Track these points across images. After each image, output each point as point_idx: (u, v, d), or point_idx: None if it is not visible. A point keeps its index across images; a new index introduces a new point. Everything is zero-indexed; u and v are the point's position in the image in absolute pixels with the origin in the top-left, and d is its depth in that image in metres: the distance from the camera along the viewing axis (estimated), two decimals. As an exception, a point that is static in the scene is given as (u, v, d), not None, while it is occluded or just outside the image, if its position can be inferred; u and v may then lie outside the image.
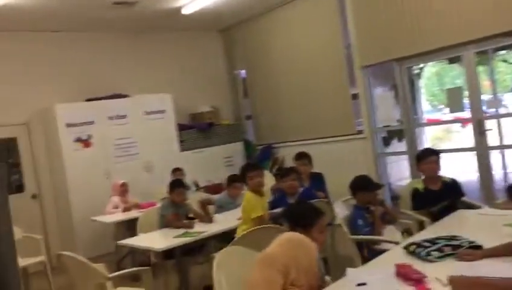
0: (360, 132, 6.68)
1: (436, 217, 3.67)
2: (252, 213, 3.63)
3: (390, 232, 3.42)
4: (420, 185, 3.99)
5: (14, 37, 6.64)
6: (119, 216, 5.76)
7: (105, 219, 5.80)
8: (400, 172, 8.76)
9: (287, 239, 1.76)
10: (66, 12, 6.23)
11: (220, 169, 7.73)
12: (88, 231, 6.45)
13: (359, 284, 2.12)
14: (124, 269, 5.46)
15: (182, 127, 7.56)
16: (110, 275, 3.20)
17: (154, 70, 7.76)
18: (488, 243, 2.35)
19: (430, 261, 2.30)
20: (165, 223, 4.54)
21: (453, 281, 1.89)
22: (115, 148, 6.88)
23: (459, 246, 2.36)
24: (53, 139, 6.62)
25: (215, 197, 5.52)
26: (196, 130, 7.68)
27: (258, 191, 3.78)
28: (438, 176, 3.99)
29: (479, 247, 2.36)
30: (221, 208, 5.18)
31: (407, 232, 3.45)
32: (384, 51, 6.12)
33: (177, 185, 4.91)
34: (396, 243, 3.09)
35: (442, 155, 4.09)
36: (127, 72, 7.52)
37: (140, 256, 6.03)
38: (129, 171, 6.80)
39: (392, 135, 8.03)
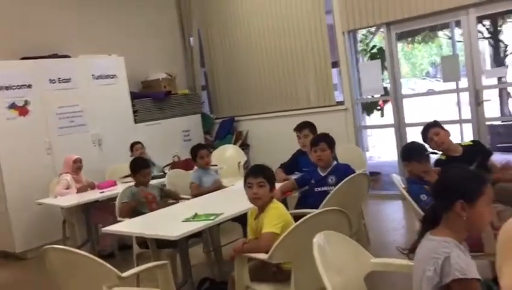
0: (340, 103, 6.18)
1: None
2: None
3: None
4: (442, 156, 3.61)
5: None
6: (74, 198, 4.75)
7: (57, 201, 4.77)
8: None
9: None
10: None
11: (178, 144, 6.86)
12: (28, 217, 5.34)
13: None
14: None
15: (134, 96, 6.56)
16: (124, 275, 2.36)
17: (99, 29, 6.61)
18: None
19: None
20: (126, 211, 3.76)
21: None
22: (58, 118, 5.73)
23: None
24: (-21, 105, 5.35)
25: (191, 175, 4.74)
26: (151, 99, 6.71)
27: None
28: (454, 144, 3.63)
29: None
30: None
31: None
32: (371, 14, 5.62)
33: (143, 165, 4.14)
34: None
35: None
36: (68, 29, 6.31)
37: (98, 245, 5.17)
38: (75, 145, 5.71)
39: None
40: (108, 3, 6.75)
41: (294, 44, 6.40)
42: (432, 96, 9.36)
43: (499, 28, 9.62)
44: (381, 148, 9.16)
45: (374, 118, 8.21)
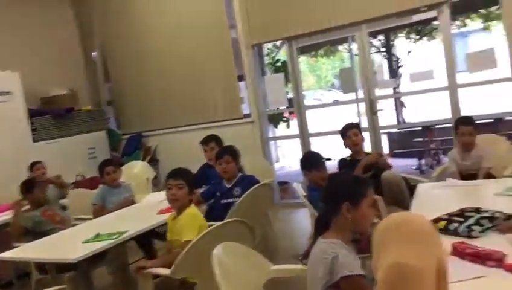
0: (247, 116, 6.30)
1: None
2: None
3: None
4: (347, 157, 3.96)
5: None
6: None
7: None
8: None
9: (414, 231, 1.18)
10: None
11: (82, 162, 6.58)
12: None
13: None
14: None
15: (33, 113, 6.21)
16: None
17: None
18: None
19: (474, 237, 1.99)
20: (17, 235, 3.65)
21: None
22: None
23: (492, 218, 2.11)
24: None
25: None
26: (52, 116, 6.39)
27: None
28: (362, 148, 3.99)
29: (510, 217, 2.14)
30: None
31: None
32: (272, 29, 5.82)
33: (34, 183, 4.05)
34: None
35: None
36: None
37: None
38: (-35, 167, 5.31)
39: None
40: (1, 17, 6.36)
41: (200, 58, 6.43)
42: (338, 107, 9.87)
43: (391, 43, 10.38)
44: (290, 158, 9.43)
45: (282, 129, 8.46)
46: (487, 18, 9.81)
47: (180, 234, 2.76)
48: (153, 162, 7.00)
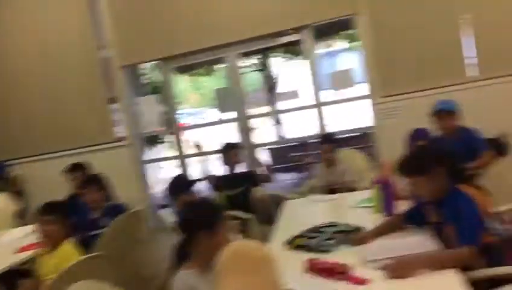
0: (120, 139, 6.06)
1: (232, 202, 3.90)
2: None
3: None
4: (223, 174, 4.34)
5: None
6: None
7: None
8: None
9: (248, 260, 1.20)
10: None
11: None
12: None
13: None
14: None
15: None
16: None
17: None
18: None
19: (327, 251, 2.09)
20: None
21: (393, 266, 1.74)
22: None
23: (344, 232, 2.23)
24: None
25: None
26: None
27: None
28: (240, 165, 4.37)
29: (358, 229, 2.28)
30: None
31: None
32: (146, 50, 5.71)
33: None
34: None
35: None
36: None
37: None
38: None
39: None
40: None
41: (66, 80, 6.01)
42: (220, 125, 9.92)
43: (267, 62, 10.78)
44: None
45: (164, 150, 8.30)
46: (352, 39, 10.61)
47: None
48: (19, 193, 6.44)
